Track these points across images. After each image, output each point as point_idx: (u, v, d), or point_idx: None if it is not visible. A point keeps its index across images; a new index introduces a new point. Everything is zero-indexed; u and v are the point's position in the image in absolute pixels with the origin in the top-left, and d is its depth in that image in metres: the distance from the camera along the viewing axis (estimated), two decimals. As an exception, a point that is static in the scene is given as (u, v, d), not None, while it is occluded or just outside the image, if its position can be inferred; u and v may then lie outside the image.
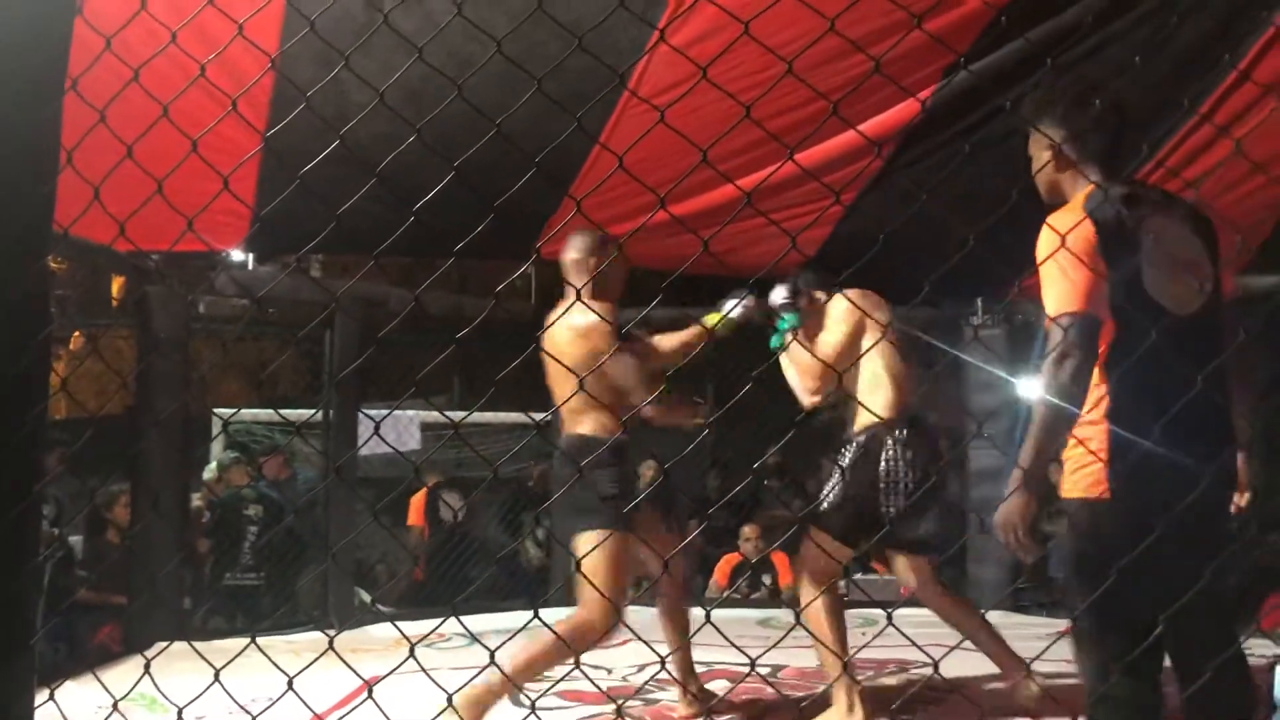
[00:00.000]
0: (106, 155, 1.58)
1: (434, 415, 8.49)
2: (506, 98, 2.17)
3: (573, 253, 3.68)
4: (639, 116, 4.38)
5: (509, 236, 4.77)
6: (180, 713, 1.66)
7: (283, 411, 7.72)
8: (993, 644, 3.75)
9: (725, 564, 7.12)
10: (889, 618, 1.59)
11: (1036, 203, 5.02)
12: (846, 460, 3.70)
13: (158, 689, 1.99)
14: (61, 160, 1.22)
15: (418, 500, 7.92)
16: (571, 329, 3.40)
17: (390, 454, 7.83)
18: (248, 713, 1.57)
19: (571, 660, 3.44)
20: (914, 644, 1.72)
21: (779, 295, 3.76)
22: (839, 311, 3.77)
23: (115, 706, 1.39)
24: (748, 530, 7.07)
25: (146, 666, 1.56)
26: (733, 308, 3.81)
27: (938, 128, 4.89)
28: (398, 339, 6.99)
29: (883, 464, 3.61)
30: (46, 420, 1.23)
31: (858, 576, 6.95)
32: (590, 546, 3.32)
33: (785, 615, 6.37)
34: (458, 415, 8.37)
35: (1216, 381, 2.13)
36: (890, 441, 3.63)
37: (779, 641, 3.78)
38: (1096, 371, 2.25)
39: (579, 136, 4.38)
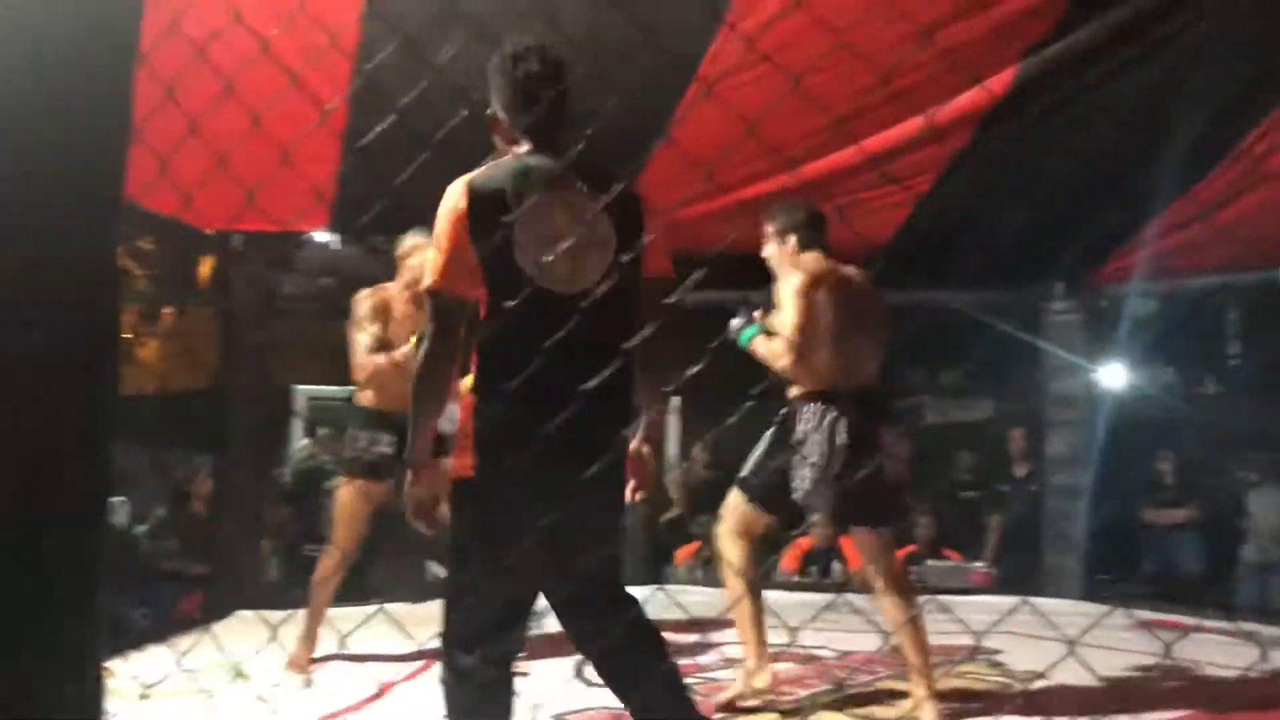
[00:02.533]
0: (178, 130, 1.64)
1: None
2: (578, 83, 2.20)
3: None
4: (708, 104, 4.36)
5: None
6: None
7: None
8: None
9: (794, 549, 7.11)
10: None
11: (1117, 186, 4.94)
12: (774, 427, 3.69)
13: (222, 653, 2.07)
14: (132, 133, 1.25)
15: None
16: None
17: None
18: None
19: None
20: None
21: (735, 324, 3.71)
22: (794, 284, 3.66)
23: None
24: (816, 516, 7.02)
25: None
26: (740, 328, 3.70)
27: (1017, 111, 4.80)
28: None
29: (814, 434, 3.52)
30: (117, 391, 1.26)
31: (930, 563, 6.90)
32: None
33: (855, 600, 6.34)
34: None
35: (611, 358, 2.04)
36: (819, 412, 3.54)
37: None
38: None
39: (647, 123, 4.39)
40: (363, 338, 4.09)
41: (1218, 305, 8.17)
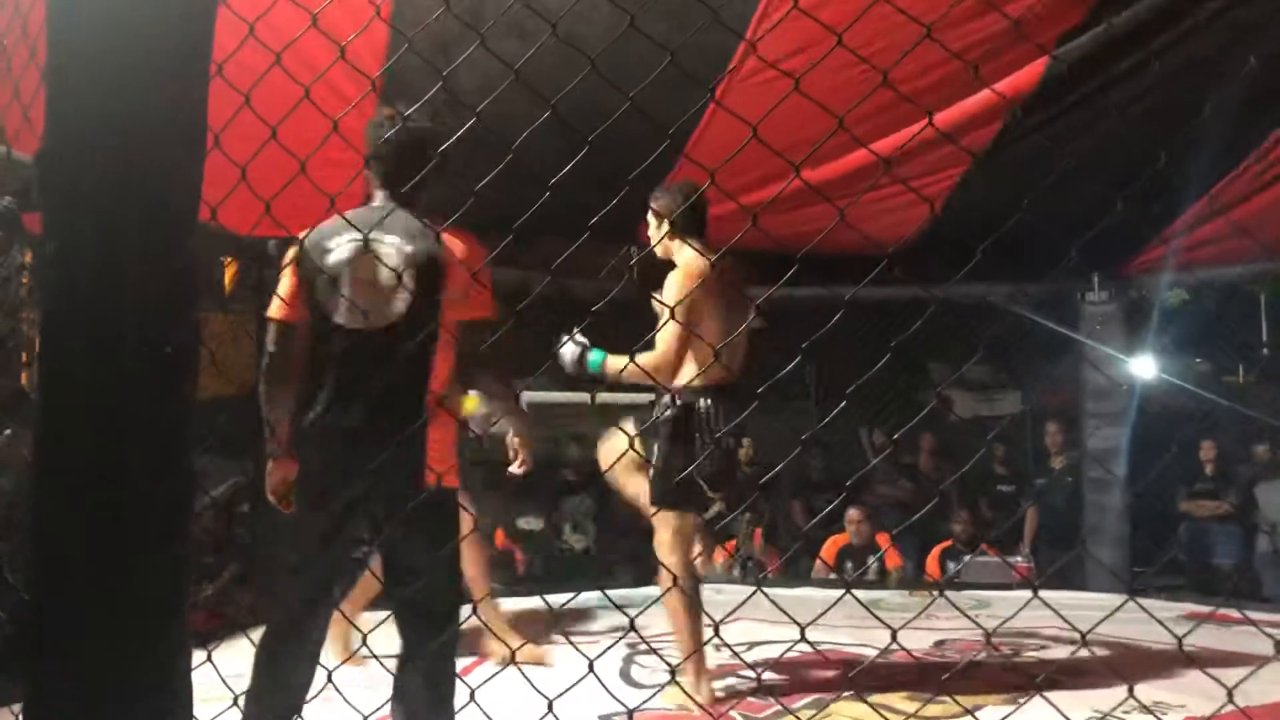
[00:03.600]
0: (244, 141, 1.64)
1: (540, 396, 8.55)
2: (612, 77, 2.18)
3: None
4: (742, 97, 4.35)
5: (616, 219, 4.79)
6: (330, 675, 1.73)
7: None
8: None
9: (831, 546, 7.09)
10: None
11: (1151, 176, 4.88)
12: (662, 425, 3.74)
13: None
14: (208, 142, 1.27)
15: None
16: None
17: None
18: (386, 668, 1.62)
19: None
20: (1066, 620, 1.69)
21: (569, 355, 3.82)
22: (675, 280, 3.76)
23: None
24: (853, 513, 7.01)
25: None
26: (576, 356, 3.81)
27: (1048, 101, 4.76)
28: (532, 322, 7.05)
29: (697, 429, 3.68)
30: (195, 395, 1.28)
31: (967, 558, 6.86)
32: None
33: (894, 597, 6.32)
34: (562, 396, 8.44)
35: (406, 378, 2.46)
36: (700, 408, 3.69)
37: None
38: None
39: (684, 111, 4.37)
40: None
41: (1250, 294, 8.09)
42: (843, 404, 2.09)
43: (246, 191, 1.74)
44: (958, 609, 2.23)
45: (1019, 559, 6.92)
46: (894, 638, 1.67)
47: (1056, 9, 4.08)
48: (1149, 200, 5.29)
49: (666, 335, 3.61)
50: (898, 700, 3.66)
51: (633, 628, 1.69)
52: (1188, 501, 7.17)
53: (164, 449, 1.20)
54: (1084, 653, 4.10)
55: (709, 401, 3.69)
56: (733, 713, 3.61)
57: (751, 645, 4.58)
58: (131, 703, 1.14)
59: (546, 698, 1.61)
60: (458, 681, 2.48)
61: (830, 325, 1.85)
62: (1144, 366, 6.88)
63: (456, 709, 2.46)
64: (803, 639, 1.59)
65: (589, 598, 5.20)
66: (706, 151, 4.13)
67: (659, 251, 3.88)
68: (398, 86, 4.06)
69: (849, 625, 4.34)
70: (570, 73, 1.85)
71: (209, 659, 1.65)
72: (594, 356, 3.74)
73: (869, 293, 5.94)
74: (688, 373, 3.70)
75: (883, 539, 6.99)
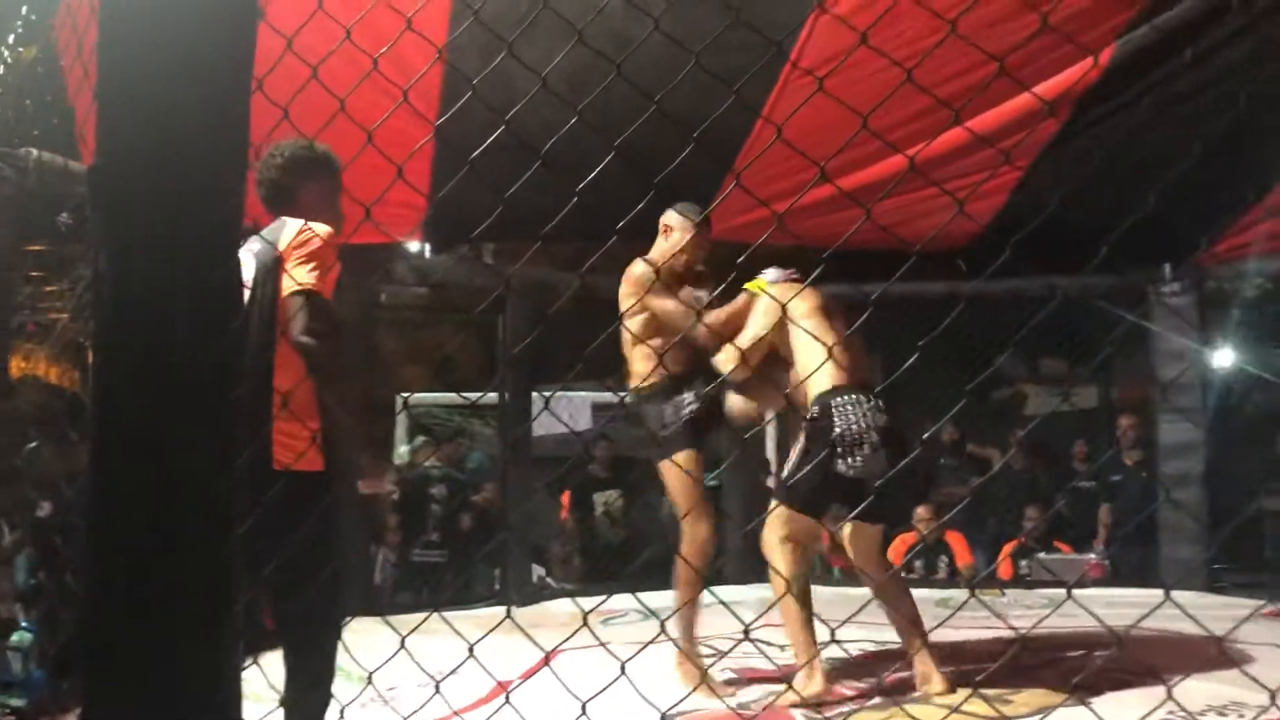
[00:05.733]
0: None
1: (607, 396, 8.62)
2: (669, 78, 2.19)
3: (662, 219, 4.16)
4: (802, 91, 4.33)
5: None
6: (370, 678, 1.75)
7: (461, 394, 7.96)
8: (915, 633, 3.77)
9: (900, 544, 7.01)
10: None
11: (1224, 164, 4.75)
12: (803, 433, 3.76)
13: (352, 658, 2.11)
14: (250, 156, 1.30)
15: (566, 498, 8.05)
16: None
17: (564, 434, 8.01)
18: (432, 679, 1.64)
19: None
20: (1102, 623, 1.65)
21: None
22: (761, 305, 3.94)
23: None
24: (922, 510, 6.93)
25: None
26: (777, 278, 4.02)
27: (1117, 88, 4.67)
28: (569, 322, 7.12)
29: (836, 431, 3.62)
30: (241, 402, 1.31)
31: (1041, 555, 6.75)
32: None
33: (963, 595, 6.23)
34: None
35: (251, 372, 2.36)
36: (836, 410, 3.65)
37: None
38: None
39: (739, 114, 4.37)
40: (661, 299, 4.00)
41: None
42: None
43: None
44: (989, 608, 2.18)
45: (1092, 556, 6.78)
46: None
47: (1109, 5, 4.00)
48: (1221, 189, 5.16)
49: (754, 330, 3.84)
50: (970, 702, 3.60)
51: (746, 635, 1.69)
52: (1271, 499, 6.98)
53: (212, 456, 1.23)
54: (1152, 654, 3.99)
55: (847, 400, 3.66)
56: (793, 711, 3.59)
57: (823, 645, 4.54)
58: (183, 706, 1.17)
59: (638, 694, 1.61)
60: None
61: (949, 319, 1.78)
62: (1222, 358, 6.70)
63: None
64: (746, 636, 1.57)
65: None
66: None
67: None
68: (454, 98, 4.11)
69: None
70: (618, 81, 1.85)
71: (255, 662, 1.69)
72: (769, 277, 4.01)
73: (931, 288, 5.88)
74: (821, 379, 3.70)
75: (953, 536, 6.90)
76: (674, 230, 4.12)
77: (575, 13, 3.82)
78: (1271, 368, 7.00)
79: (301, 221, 2.63)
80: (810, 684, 3.68)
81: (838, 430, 3.60)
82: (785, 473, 3.83)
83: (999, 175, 5.35)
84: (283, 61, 1.68)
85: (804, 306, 3.82)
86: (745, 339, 3.86)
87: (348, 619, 2.65)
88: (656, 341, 4.00)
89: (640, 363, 4.05)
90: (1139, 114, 4.71)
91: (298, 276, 2.52)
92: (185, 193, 1.23)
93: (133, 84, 1.26)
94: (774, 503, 3.86)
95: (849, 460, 3.58)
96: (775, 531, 3.78)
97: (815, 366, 3.65)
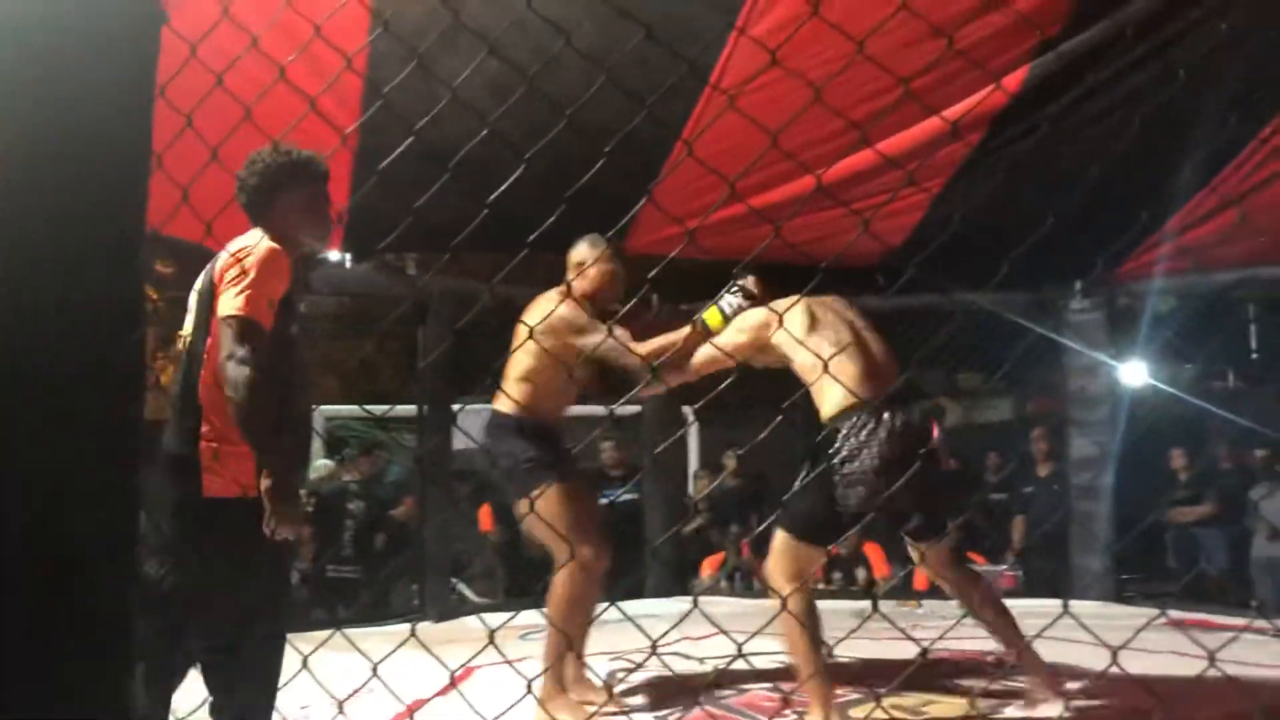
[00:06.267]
0: (199, 158, 1.64)
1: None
2: (597, 92, 2.19)
3: (572, 254, 4.02)
4: (722, 109, 4.37)
5: (596, 231, 4.82)
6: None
7: (379, 408, 7.85)
8: (1008, 629, 3.62)
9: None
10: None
11: (1135, 182, 4.89)
12: (808, 459, 3.60)
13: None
14: (152, 163, 1.27)
15: (486, 509, 7.97)
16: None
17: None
18: (335, 699, 1.61)
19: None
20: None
21: (728, 307, 3.84)
22: (750, 320, 3.78)
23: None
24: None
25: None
26: (724, 297, 3.84)
27: (1030, 110, 4.78)
28: (494, 334, 7.06)
29: (840, 458, 3.43)
30: (142, 420, 1.28)
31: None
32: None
33: (882, 607, 6.30)
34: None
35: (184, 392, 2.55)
36: (853, 429, 3.46)
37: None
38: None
39: (661, 130, 4.39)
40: (597, 335, 3.74)
41: (1237, 300, 8.12)
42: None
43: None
44: (894, 623, 2.22)
45: (1004, 568, 6.91)
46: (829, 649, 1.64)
47: (1033, 20, 4.09)
48: (1133, 206, 5.31)
49: (736, 337, 3.72)
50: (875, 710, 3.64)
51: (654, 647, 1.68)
52: (1172, 509, 7.20)
53: (110, 473, 1.19)
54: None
55: (860, 421, 3.46)
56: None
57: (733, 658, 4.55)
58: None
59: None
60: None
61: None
62: (1131, 373, 6.89)
63: None
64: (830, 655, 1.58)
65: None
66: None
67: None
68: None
69: (833, 637, 4.33)
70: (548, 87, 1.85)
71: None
72: (712, 308, 3.84)
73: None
74: (832, 399, 3.53)
75: (870, 548, 6.98)
76: (588, 263, 3.95)
77: (497, 23, 3.84)
78: (1177, 382, 7.22)
79: (241, 240, 2.58)
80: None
81: (842, 457, 3.42)
82: (793, 501, 3.61)
83: (914, 193, 5.45)
84: (194, 66, 1.65)
85: (801, 322, 3.64)
86: (715, 351, 3.71)
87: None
88: (545, 373, 3.81)
89: (519, 387, 3.84)
90: (1049, 137, 4.83)
91: (224, 302, 2.46)
92: (82, 203, 1.19)
93: (25, 91, 1.21)
94: (779, 532, 3.60)
95: (851, 492, 3.41)
96: (782, 566, 3.54)
97: (824, 382, 3.48)
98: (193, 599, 2.32)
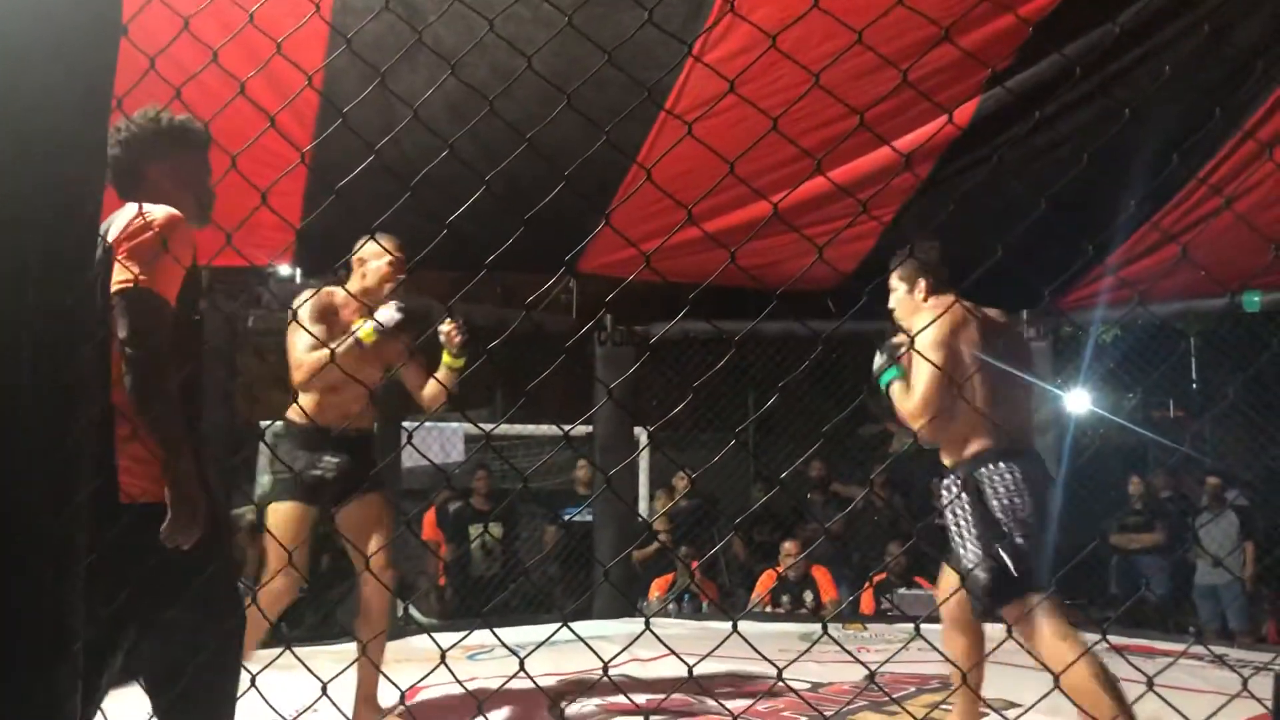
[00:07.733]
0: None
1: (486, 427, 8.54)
2: (550, 112, 2.21)
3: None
4: (677, 133, 4.41)
5: (553, 251, 4.83)
6: None
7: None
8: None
9: (767, 579, 7.12)
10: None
11: (1080, 215, 4.99)
12: (956, 509, 3.29)
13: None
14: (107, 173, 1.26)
15: (430, 515, 7.95)
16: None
17: (439, 465, 7.89)
18: (282, 717, 1.60)
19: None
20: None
21: (878, 363, 3.47)
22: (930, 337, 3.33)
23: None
24: (789, 546, 7.06)
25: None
26: (882, 366, 3.49)
27: (980, 141, 4.88)
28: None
29: (994, 501, 3.20)
30: (90, 430, 1.25)
31: (901, 591, 6.91)
32: None
33: (831, 629, 6.33)
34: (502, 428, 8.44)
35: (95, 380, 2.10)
36: (989, 476, 3.21)
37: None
38: None
39: (617, 152, 4.42)
40: (303, 337, 3.69)
41: (1178, 331, 8.30)
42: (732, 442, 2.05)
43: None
44: (842, 646, 2.24)
45: (949, 592, 6.98)
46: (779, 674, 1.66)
47: (982, 55, 4.18)
48: (1078, 238, 5.42)
49: (925, 379, 3.22)
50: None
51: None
52: (1118, 535, 7.32)
53: (55, 487, 1.17)
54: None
55: (997, 467, 3.21)
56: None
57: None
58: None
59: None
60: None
61: (807, 361, 1.83)
62: (1074, 401, 7.01)
63: None
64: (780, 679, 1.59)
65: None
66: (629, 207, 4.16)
67: (906, 318, 3.53)
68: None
69: (785, 659, 4.35)
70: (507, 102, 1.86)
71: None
72: (888, 372, 3.39)
73: (799, 327, 5.97)
74: (975, 442, 3.26)
75: (818, 571, 7.03)
76: (369, 260, 3.77)
77: (456, 41, 3.86)
78: (1119, 411, 7.35)
79: (134, 208, 2.17)
80: None
81: (993, 504, 3.18)
82: (1004, 562, 3.17)
83: (866, 221, 5.53)
84: (153, 78, 1.64)
85: (934, 335, 3.21)
86: (925, 382, 3.24)
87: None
88: (318, 382, 3.72)
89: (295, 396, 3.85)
90: (998, 169, 4.93)
91: (117, 274, 2.11)
92: (34, 211, 1.17)
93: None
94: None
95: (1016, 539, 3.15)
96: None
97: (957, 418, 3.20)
98: (118, 615, 1.95)
